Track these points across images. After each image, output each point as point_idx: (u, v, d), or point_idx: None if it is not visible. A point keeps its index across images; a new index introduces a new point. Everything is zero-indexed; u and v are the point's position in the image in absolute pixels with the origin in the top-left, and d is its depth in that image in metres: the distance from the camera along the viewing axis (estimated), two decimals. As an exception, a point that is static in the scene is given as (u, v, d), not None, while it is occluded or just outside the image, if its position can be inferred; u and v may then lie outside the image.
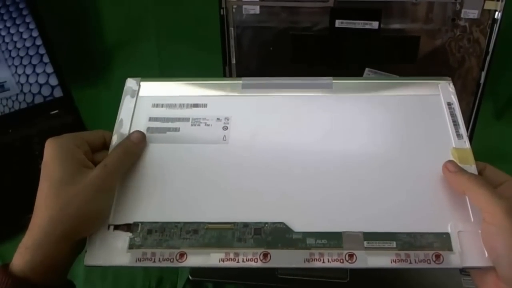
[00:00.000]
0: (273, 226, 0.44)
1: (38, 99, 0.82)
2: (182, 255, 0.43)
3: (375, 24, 0.69)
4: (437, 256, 0.42)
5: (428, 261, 0.42)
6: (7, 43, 0.77)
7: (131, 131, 0.50)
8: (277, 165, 0.48)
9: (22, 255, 0.40)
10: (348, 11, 0.69)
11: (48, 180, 0.42)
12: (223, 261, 0.42)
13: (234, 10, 0.70)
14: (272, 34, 0.72)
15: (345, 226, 0.43)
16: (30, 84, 0.80)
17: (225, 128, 0.50)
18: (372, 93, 0.53)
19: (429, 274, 0.61)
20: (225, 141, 0.50)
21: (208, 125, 0.51)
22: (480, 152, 0.49)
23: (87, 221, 0.42)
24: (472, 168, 0.46)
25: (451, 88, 0.52)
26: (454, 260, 0.42)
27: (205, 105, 0.52)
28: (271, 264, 0.42)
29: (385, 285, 0.61)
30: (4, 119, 0.80)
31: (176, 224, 0.44)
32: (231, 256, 0.42)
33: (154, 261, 0.42)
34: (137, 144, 0.48)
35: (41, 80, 0.81)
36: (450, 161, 0.46)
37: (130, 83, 0.54)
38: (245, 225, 0.44)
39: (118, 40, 0.89)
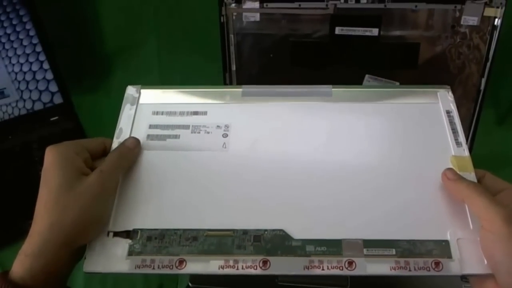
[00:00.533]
0: (273, 233, 0.44)
1: (38, 106, 0.82)
2: (181, 262, 0.42)
3: (375, 31, 0.69)
4: (437, 264, 0.42)
5: (428, 269, 0.41)
6: (7, 49, 0.77)
7: (131, 138, 0.50)
8: (277, 172, 0.47)
9: (22, 263, 0.40)
10: (348, 18, 0.69)
11: (48, 186, 0.42)
12: (223, 268, 0.42)
13: (234, 17, 0.70)
14: (272, 41, 0.73)
15: (344, 233, 0.43)
16: (30, 91, 0.81)
17: (225, 135, 0.50)
18: (371, 101, 0.53)
19: (429, 281, 0.61)
20: (225, 148, 0.50)
21: (208, 132, 0.51)
22: (481, 157, 0.49)
23: (86, 227, 0.42)
24: (471, 176, 0.46)
25: (450, 96, 0.52)
26: (453, 267, 0.41)
27: (205, 113, 0.52)
28: (270, 271, 0.42)
29: (386, 293, 0.61)
30: (4, 126, 0.80)
31: (175, 231, 0.44)
32: (231, 263, 0.42)
33: (154, 268, 0.42)
34: (132, 150, 0.49)
35: (41, 86, 0.81)
36: (449, 169, 0.46)
37: (131, 90, 0.54)
38: (245, 232, 0.44)
39: (118, 47, 0.90)
